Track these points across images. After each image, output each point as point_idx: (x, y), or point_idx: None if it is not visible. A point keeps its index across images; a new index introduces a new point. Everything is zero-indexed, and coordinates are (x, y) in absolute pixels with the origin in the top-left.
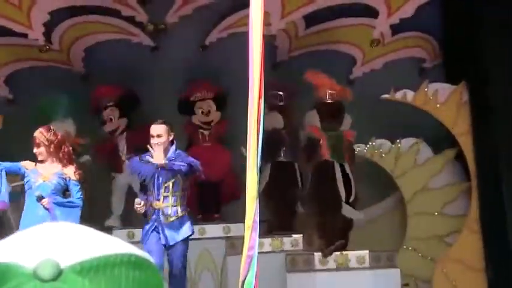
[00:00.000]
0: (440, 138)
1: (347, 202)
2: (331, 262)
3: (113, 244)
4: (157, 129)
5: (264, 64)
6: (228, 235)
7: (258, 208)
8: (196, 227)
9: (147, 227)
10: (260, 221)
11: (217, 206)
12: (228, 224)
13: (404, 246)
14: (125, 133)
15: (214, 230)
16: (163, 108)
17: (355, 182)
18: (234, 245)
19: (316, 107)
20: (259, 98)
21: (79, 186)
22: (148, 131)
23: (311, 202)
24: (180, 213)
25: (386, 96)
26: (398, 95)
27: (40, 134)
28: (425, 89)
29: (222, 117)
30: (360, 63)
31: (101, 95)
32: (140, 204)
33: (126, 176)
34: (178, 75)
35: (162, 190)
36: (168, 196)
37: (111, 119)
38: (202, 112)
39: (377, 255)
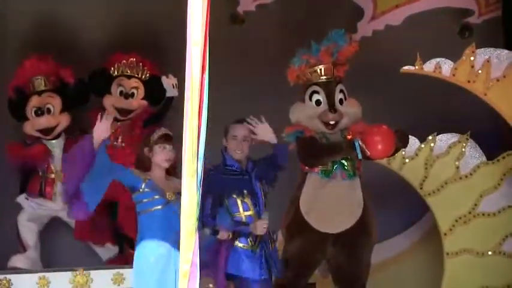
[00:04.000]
0: (495, 136)
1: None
2: None
3: None
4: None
5: (209, 15)
6: None
7: (197, 245)
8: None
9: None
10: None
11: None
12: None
13: None
14: (62, 136)
15: None
16: None
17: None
18: None
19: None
20: (203, 71)
21: None
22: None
23: None
24: None
25: (408, 68)
26: (428, 67)
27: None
28: (471, 58)
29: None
30: (368, 16)
31: (32, 70)
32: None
33: (58, 204)
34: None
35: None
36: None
37: (48, 110)
38: (121, 93)
39: None
